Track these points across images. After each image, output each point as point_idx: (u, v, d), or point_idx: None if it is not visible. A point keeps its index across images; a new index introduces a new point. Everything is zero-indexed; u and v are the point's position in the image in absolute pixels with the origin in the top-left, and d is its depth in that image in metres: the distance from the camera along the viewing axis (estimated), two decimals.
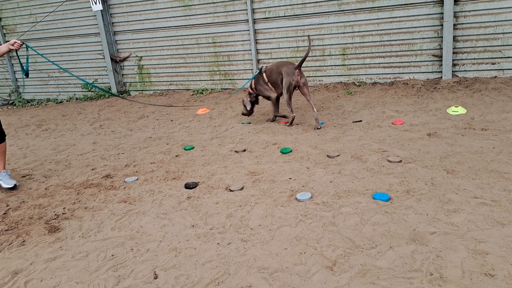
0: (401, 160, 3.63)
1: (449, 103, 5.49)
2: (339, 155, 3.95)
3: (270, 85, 5.35)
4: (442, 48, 6.26)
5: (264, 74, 5.38)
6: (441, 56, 6.30)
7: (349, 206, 2.86)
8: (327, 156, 3.95)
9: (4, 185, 3.83)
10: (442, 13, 6.11)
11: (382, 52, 6.73)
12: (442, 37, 6.22)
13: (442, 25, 6.17)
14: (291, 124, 5.23)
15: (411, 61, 6.60)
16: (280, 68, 5.19)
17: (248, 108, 5.57)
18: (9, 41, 4.38)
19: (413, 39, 6.47)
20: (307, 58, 5.59)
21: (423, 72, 6.57)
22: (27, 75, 4.12)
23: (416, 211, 2.70)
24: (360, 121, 5.21)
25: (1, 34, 9.57)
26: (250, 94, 5.60)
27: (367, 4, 6.58)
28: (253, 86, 5.52)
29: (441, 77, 6.37)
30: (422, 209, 2.72)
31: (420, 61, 6.54)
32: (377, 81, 6.86)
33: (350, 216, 2.71)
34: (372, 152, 3.95)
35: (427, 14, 6.28)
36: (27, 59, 4.14)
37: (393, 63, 6.72)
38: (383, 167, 3.54)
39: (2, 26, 9.61)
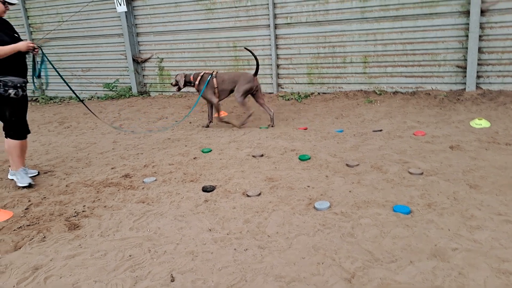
0: (422, 172, 3.56)
1: (472, 116, 5.38)
2: (358, 164, 3.90)
3: (217, 90, 5.70)
4: (466, 59, 6.15)
5: (214, 79, 5.68)
6: (465, 67, 6.18)
7: (369, 218, 2.81)
8: (346, 165, 3.91)
9: (18, 184, 3.86)
10: (468, 24, 6.01)
11: (405, 61, 6.64)
12: (467, 48, 6.11)
13: (467, 35, 6.06)
14: (246, 122, 5.75)
15: (434, 71, 6.49)
16: (235, 78, 5.64)
17: (181, 86, 5.93)
18: (32, 40, 4.48)
19: (437, 49, 6.37)
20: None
21: (446, 83, 6.45)
22: (39, 76, 4.33)
23: (437, 226, 2.64)
24: (381, 130, 5.15)
25: (28, 32, 9.83)
26: (189, 81, 5.91)
27: (390, 12, 6.51)
28: (197, 82, 5.80)
29: (465, 88, 6.25)
30: (444, 224, 2.66)
31: (444, 72, 6.43)
32: (398, 90, 6.78)
33: (369, 228, 2.67)
34: (392, 162, 3.89)
35: (452, 24, 6.18)
36: (42, 63, 4.31)
37: (416, 72, 6.62)
38: (404, 178, 3.48)
39: (29, 24, 9.88)
